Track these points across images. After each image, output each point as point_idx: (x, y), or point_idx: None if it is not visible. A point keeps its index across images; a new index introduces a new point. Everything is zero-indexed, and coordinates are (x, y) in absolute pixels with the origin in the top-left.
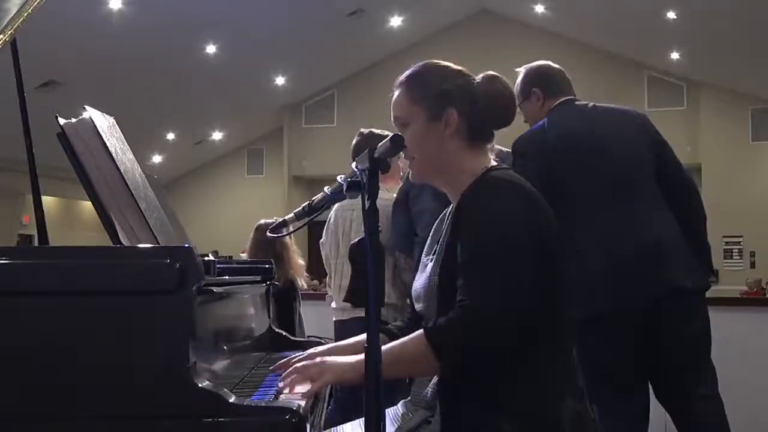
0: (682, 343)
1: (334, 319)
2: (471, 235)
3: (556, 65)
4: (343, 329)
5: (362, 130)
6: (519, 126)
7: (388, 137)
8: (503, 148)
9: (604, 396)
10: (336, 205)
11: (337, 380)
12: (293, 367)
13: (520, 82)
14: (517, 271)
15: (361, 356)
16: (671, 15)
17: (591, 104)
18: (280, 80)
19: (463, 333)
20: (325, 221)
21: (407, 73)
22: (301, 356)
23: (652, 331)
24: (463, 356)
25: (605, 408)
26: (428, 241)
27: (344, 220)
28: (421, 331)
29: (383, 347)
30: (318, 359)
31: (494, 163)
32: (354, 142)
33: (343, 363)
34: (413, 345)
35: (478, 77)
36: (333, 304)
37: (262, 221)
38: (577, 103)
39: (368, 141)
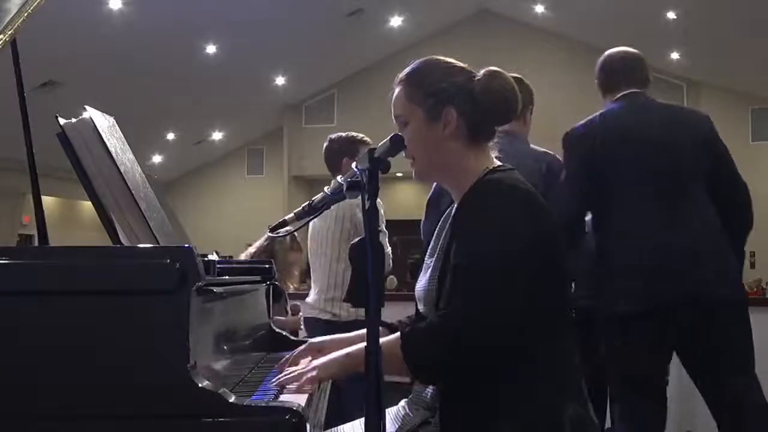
0: (724, 346)
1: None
2: (465, 240)
3: (630, 54)
4: (306, 327)
5: (330, 136)
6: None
7: (388, 137)
8: (538, 148)
9: (627, 393)
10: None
11: (328, 377)
12: (288, 375)
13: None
14: (505, 283)
15: (349, 349)
16: (671, 15)
17: (651, 100)
18: (280, 80)
19: (434, 349)
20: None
21: (407, 70)
22: (301, 350)
23: (685, 332)
24: (432, 370)
25: (627, 405)
26: (431, 242)
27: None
28: (398, 334)
29: (363, 344)
30: (308, 363)
31: (497, 163)
32: (324, 147)
33: (332, 360)
34: (389, 347)
35: (479, 73)
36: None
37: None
38: (637, 98)
39: (340, 145)
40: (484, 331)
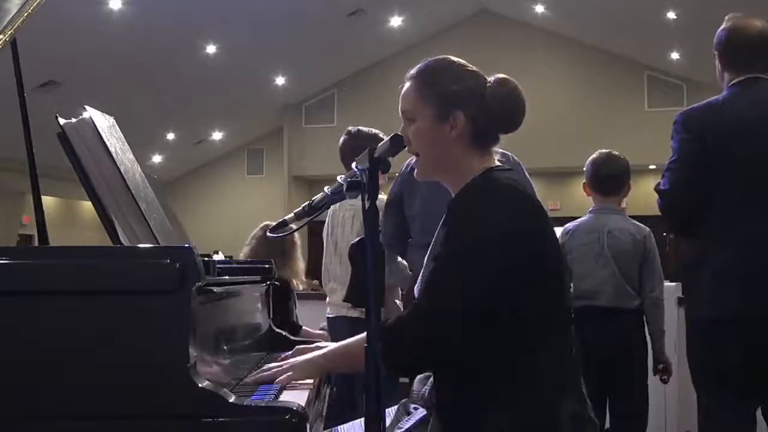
0: None
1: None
2: (446, 236)
3: (757, 30)
4: (332, 327)
5: (350, 128)
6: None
7: (388, 137)
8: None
9: (715, 399)
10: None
11: (303, 377)
12: (265, 374)
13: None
14: (480, 277)
15: (325, 350)
16: (671, 15)
17: None
18: (280, 80)
19: (408, 340)
20: (325, 221)
21: (420, 67)
22: (288, 355)
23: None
24: (404, 361)
25: (716, 408)
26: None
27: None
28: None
29: (343, 341)
30: (285, 364)
31: (497, 164)
32: (341, 140)
33: (308, 360)
34: (362, 342)
35: (490, 79)
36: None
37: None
38: (762, 85)
39: (355, 140)
40: (444, 326)
